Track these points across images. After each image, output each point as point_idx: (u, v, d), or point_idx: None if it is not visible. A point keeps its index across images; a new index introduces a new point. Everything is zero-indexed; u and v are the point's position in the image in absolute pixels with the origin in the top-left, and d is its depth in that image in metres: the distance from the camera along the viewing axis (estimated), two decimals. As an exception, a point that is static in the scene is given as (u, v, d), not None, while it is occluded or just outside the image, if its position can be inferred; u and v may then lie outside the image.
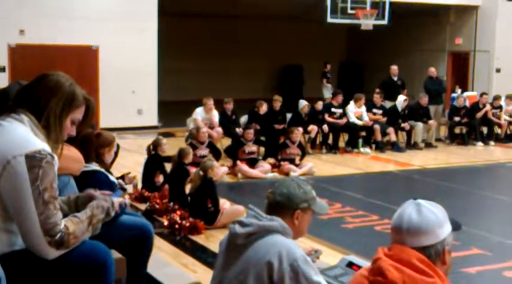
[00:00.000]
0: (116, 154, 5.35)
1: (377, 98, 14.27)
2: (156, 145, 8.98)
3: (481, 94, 15.50)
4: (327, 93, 19.86)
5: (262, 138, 12.22)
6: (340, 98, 13.86)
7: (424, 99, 14.52)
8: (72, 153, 3.80)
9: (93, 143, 4.86)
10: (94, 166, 4.78)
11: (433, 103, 15.10)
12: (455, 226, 2.26)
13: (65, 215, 2.61)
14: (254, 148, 11.05)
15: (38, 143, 2.53)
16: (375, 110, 14.13)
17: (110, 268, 2.71)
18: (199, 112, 12.47)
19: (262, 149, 11.89)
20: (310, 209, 2.96)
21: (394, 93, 14.84)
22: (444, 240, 2.19)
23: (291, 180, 3.03)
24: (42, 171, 2.48)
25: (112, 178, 4.93)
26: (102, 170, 4.83)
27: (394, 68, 15.48)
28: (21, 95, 2.71)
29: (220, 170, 8.99)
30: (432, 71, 15.71)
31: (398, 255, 2.15)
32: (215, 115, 12.55)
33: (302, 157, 11.38)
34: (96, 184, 4.42)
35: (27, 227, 2.48)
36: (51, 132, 2.65)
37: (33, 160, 2.47)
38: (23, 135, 2.55)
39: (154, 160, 8.93)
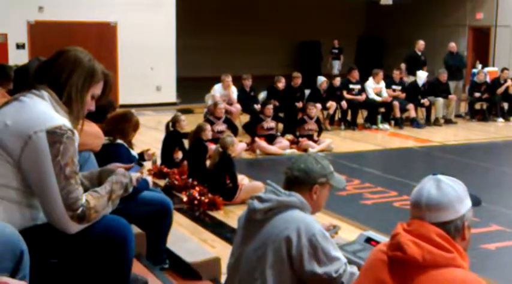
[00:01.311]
0: None
1: (396, 74, 14.16)
2: (174, 121, 9.02)
3: (502, 70, 15.31)
4: (334, 69, 19.91)
5: (281, 115, 12.20)
6: (356, 74, 13.70)
7: (444, 75, 14.37)
8: (93, 128, 3.83)
9: (131, 123, 5.00)
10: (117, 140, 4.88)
11: (453, 79, 14.96)
12: (475, 202, 2.25)
13: (86, 191, 2.63)
14: (273, 124, 11.04)
15: (59, 119, 2.55)
16: (394, 86, 14.03)
17: (130, 243, 2.73)
18: (217, 89, 12.47)
19: (280, 125, 11.89)
20: (328, 183, 2.96)
21: (418, 68, 14.68)
22: (464, 216, 2.18)
23: (308, 155, 3.03)
24: (63, 147, 2.50)
25: (133, 152, 5.01)
26: (124, 144, 4.91)
27: (421, 43, 15.22)
28: (41, 71, 2.72)
29: (238, 146, 9.02)
30: (452, 46, 15.53)
31: (417, 230, 2.15)
32: (233, 92, 12.54)
33: (319, 133, 11.35)
34: (118, 156, 4.50)
35: (49, 202, 2.51)
36: (73, 107, 2.66)
37: (54, 136, 2.49)
38: (44, 110, 2.56)
39: (173, 137, 8.97)
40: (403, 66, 15.13)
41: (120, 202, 2.79)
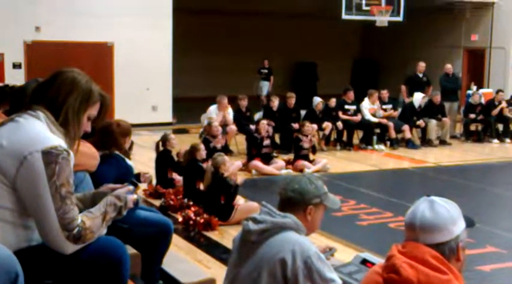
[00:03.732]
0: (130, 148, 5.44)
1: (383, 94, 14.21)
2: (164, 140, 9.07)
3: (497, 91, 15.40)
4: (261, 89, 19.91)
5: (276, 135, 12.21)
6: (351, 95, 13.75)
7: (437, 97, 14.43)
8: (88, 149, 3.83)
9: (115, 132, 4.97)
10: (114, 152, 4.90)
11: (449, 100, 15.03)
12: (469, 223, 2.26)
13: (79, 212, 2.63)
14: (268, 141, 11.02)
15: (54, 139, 2.55)
16: (384, 106, 14.10)
17: (125, 264, 2.72)
18: (213, 110, 12.44)
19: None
20: (322, 204, 2.95)
21: (419, 89, 14.73)
22: (458, 237, 2.18)
23: (303, 176, 3.04)
24: (59, 167, 2.50)
25: (129, 162, 5.00)
26: (119, 153, 4.92)
27: (422, 65, 15.30)
28: (38, 92, 2.73)
29: (233, 165, 9.01)
30: (448, 67, 15.61)
31: (412, 252, 2.15)
32: (229, 113, 12.54)
33: (313, 151, 11.29)
34: (113, 165, 4.52)
35: (45, 222, 2.50)
36: (70, 128, 2.67)
37: (50, 156, 2.49)
38: (39, 131, 2.57)
39: (165, 156, 8.99)
40: (403, 88, 15.21)
41: (123, 223, 2.78)
